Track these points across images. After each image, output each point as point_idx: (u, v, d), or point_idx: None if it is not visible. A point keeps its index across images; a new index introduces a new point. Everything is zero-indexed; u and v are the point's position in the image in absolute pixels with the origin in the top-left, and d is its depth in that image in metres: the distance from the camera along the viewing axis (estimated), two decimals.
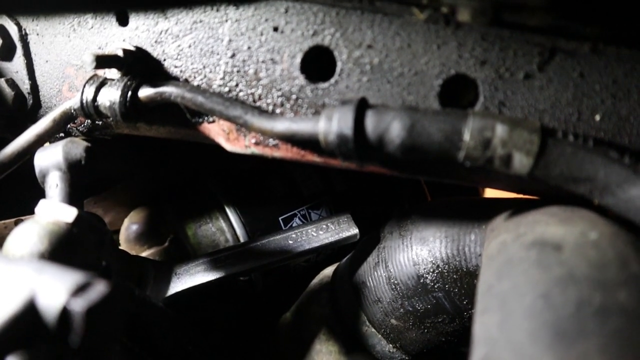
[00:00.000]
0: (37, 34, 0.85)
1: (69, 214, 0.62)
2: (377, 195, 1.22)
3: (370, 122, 0.58)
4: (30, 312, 0.44)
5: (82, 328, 0.42)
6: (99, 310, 0.43)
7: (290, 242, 0.92)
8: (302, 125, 0.62)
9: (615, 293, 0.45)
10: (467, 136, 0.55)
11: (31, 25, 0.85)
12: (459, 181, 0.66)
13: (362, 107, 0.58)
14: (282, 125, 0.63)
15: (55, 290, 0.44)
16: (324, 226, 0.94)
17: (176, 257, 1.06)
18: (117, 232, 1.14)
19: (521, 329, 0.45)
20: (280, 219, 1.09)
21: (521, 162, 0.55)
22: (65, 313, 0.43)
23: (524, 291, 0.48)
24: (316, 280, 1.03)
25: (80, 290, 0.44)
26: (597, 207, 0.58)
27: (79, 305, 0.42)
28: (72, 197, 0.76)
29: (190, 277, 0.90)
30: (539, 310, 0.45)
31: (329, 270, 1.04)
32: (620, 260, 0.48)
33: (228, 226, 1.08)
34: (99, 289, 0.44)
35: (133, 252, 1.08)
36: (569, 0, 0.50)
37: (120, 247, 1.11)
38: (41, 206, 0.63)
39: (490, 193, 1.23)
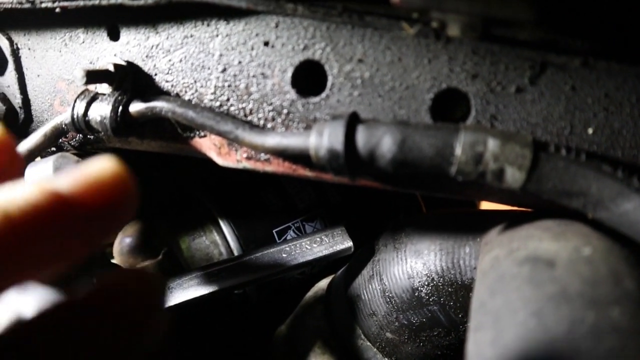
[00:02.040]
0: (29, 49, 0.85)
1: None
2: (371, 207, 1.22)
3: (361, 137, 0.57)
4: None
5: None
6: None
7: (284, 255, 0.91)
8: (292, 140, 0.61)
9: (609, 311, 0.45)
10: (458, 150, 0.55)
11: (22, 40, 0.85)
12: (452, 195, 0.66)
13: (352, 122, 0.58)
14: (273, 140, 0.63)
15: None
16: (318, 239, 0.93)
17: (170, 271, 1.05)
18: (111, 245, 1.14)
19: (514, 348, 0.44)
20: (274, 231, 1.09)
21: (513, 177, 0.55)
22: None
23: (516, 309, 0.47)
24: (311, 293, 1.02)
25: None
26: (591, 220, 0.58)
27: None
28: None
29: (183, 291, 0.89)
30: (531, 329, 0.45)
31: (323, 283, 1.03)
32: (613, 276, 0.48)
33: (222, 239, 1.07)
34: None
35: (126, 266, 1.07)
36: (557, 15, 0.50)
37: (113, 261, 1.11)
38: None
39: (485, 205, 1.22)
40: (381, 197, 1.23)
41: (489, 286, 0.54)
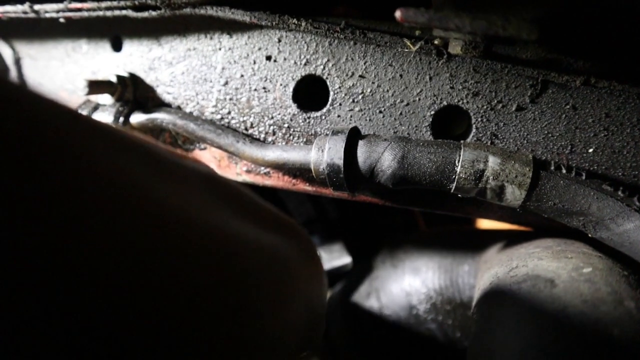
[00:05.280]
0: (31, 58, 0.85)
1: None
2: (370, 223, 1.21)
3: (362, 152, 0.57)
4: None
5: None
6: None
7: None
8: (293, 155, 0.61)
9: (609, 330, 0.44)
10: (458, 167, 0.54)
11: (25, 49, 0.85)
12: (451, 212, 0.65)
13: (353, 137, 0.58)
14: (273, 154, 0.63)
15: None
16: None
17: None
18: None
19: None
20: None
21: (513, 195, 0.54)
22: None
23: (515, 327, 0.47)
24: None
25: None
26: (592, 240, 0.57)
27: None
28: None
29: None
30: (531, 348, 0.44)
31: None
32: (613, 296, 0.47)
33: None
34: None
35: None
36: (559, 35, 0.50)
37: None
38: None
39: (484, 223, 1.22)
40: (379, 213, 1.22)
41: (488, 304, 0.53)
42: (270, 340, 0.32)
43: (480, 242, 0.77)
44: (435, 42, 0.58)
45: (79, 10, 0.71)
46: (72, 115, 0.25)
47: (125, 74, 0.74)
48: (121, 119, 0.70)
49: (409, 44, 0.59)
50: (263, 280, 0.31)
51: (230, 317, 0.28)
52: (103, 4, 0.69)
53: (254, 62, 0.68)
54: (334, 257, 0.93)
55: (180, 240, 0.26)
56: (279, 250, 0.35)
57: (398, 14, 0.45)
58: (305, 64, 0.65)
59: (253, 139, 0.66)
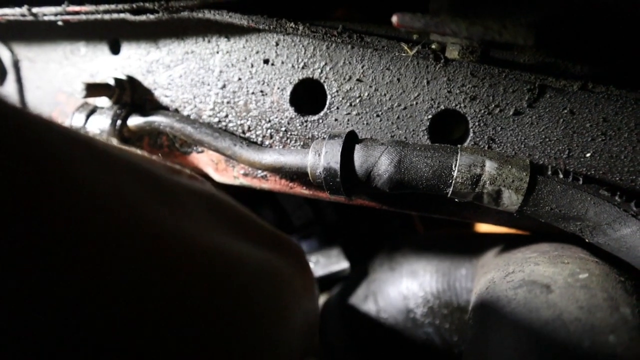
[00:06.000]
0: (30, 60, 0.85)
1: None
2: (367, 226, 1.21)
3: (358, 156, 0.57)
4: None
5: None
6: None
7: None
8: (290, 158, 0.61)
9: (605, 336, 0.44)
10: (455, 172, 0.54)
11: (24, 51, 0.85)
12: (449, 217, 0.65)
13: (350, 141, 0.58)
14: (270, 158, 0.63)
15: None
16: (314, 259, 0.92)
17: None
18: None
19: None
20: None
21: (510, 199, 0.54)
22: None
23: (511, 333, 0.47)
24: None
25: None
26: (589, 244, 0.57)
27: None
28: None
29: None
30: (525, 355, 0.44)
31: (318, 303, 1.02)
32: (610, 302, 0.47)
33: None
34: None
35: None
36: (557, 39, 0.50)
37: None
38: None
39: (482, 227, 1.22)
40: (377, 217, 1.22)
41: (483, 309, 0.53)
42: (274, 347, 0.33)
43: (478, 245, 0.77)
44: (433, 46, 0.58)
45: (77, 13, 0.71)
46: (67, 136, 0.25)
47: (123, 77, 0.74)
48: (119, 122, 0.70)
49: (406, 48, 0.59)
50: (262, 293, 0.32)
51: (231, 328, 0.29)
52: (101, 7, 0.69)
53: (252, 66, 0.67)
54: (332, 262, 0.93)
55: (177, 259, 0.26)
56: (275, 265, 0.36)
57: (394, 19, 0.45)
58: (302, 68, 0.65)
59: (250, 143, 0.66)
